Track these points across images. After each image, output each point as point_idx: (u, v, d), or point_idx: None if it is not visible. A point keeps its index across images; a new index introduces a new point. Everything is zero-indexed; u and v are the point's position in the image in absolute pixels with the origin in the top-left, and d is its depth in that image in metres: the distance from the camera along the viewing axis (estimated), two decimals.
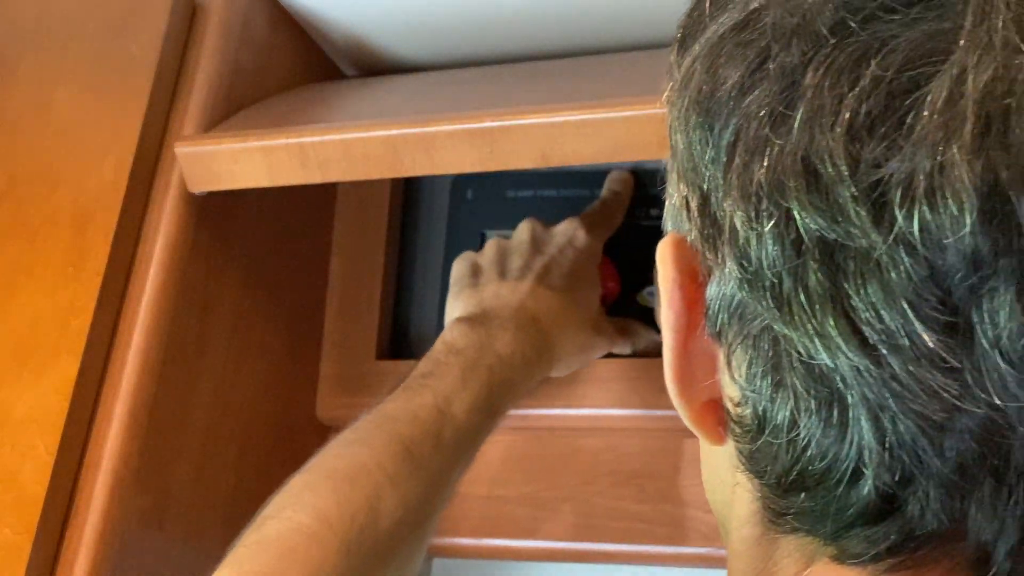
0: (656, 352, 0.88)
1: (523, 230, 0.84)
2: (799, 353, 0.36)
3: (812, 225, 0.34)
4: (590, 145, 0.72)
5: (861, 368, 0.35)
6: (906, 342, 0.34)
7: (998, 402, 0.34)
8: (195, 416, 0.85)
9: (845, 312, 0.34)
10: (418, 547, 0.68)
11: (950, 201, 0.32)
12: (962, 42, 0.33)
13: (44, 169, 0.86)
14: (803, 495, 0.39)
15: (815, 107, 0.35)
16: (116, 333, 0.81)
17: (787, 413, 0.38)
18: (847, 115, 0.34)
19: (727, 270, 0.38)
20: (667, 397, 0.88)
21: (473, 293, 0.81)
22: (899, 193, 0.33)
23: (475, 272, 0.83)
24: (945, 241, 0.33)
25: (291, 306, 0.94)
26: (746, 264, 0.36)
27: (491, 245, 0.84)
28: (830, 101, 0.34)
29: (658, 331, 0.88)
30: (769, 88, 0.36)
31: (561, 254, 0.83)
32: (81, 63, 0.89)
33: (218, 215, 0.86)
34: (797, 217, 0.35)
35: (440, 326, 0.80)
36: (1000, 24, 0.33)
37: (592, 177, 0.90)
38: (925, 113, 0.33)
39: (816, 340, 0.35)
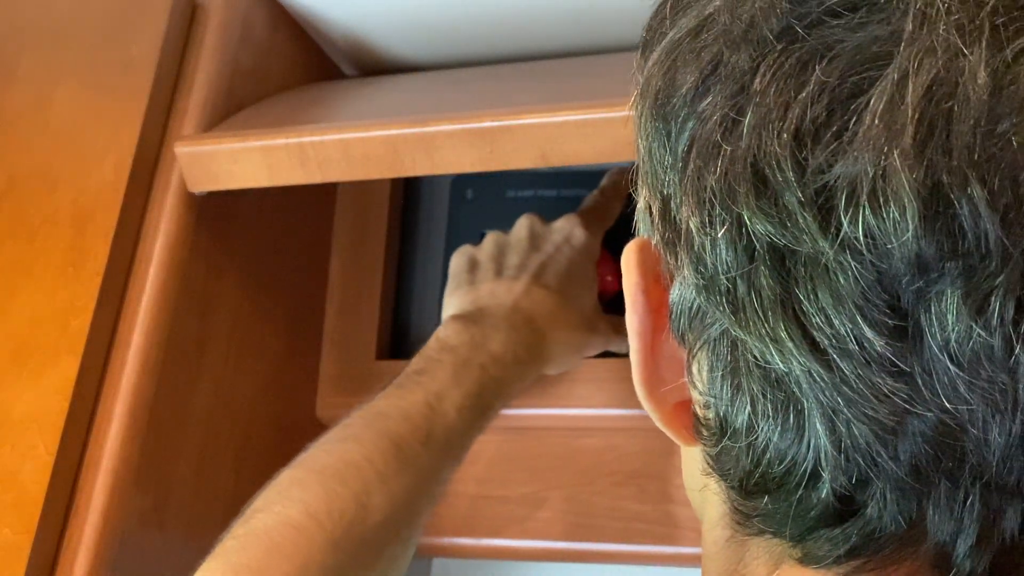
0: None
1: (521, 226, 0.84)
2: (755, 358, 0.36)
3: (762, 231, 0.35)
4: (590, 145, 0.72)
5: (813, 373, 0.35)
6: (855, 347, 0.34)
7: (948, 405, 0.34)
8: (195, 416, 0.85)
9: (796, 317, 0.35)
10: (406, 544, 0.68)
11: (892, 206, 0.32)
12: (904, 46, 0.33)
13: (44, 169, 0.86)
14: (766, 498, 0.39)
15: (763, 113, 0.35)
16: (116, 333, 0.81)
17: (745, 417, 0.38)
18: (793, 121, 0.34)
19: (685, 275, 0.38)
20: None
21: (469, 290, 0.81)
22: (844, 198, 0.33)
23: (472, 267, 0.83)
24: (889, 246, 0.33)
25: (291, 306, 0.94)
26: (702, 269, 0.37)
27: (489, 240, 0.84)
28: (777, 107, 0.34)
29: None
30: (721, 93, 0.36)
31: (558, 252, 0.83)
32: (81, 63, 0.89)
33: (218, 215, 0.86)
34: (748, 223, 0.35)
35: (439, 326, 0.80)
36: (942, 27, 0.33)
37: (592, 177, 0.90)
38: (867, 118, 0.33)
39: (769, 345, 0.35)
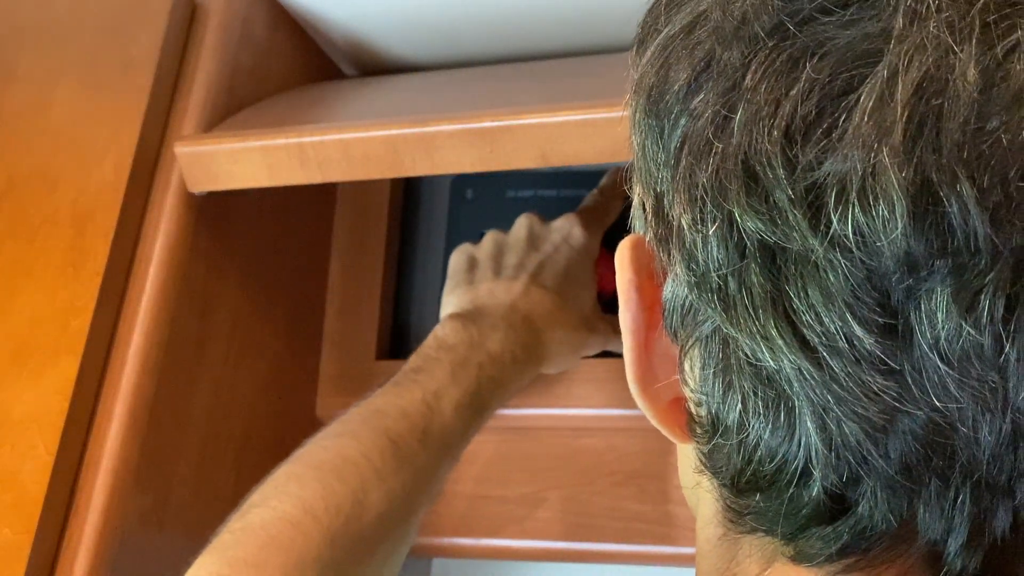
0: None
1: (520, 226, 0.84)
2: (746, 355, 0.36)
3: (752, 228, 0.35)
4: (590, 145, 0.72)
5: (803, 370, 0.35)
6: (845, 345, 0.34)
7: (938, 403, 0.34)
8: (195, 416, 0.85)
9: (787, 314, 0.35)
10: (401, 542, 0.68)
11: (881, 204, 0.32)
12: (894, 43, 0.33)
13: (43, 169, 0.86)
14: (758, 496, 0.39)
15: (754, 110, 0.35)
16: (116, 333, 0.81)
17: (736, 414, 0.38)
18: (784, 118, 0.34)
19: (677, 272, 0.38)
20: None
21: (467, 290, 0.81)
22: (833, 196, 0.33)
23: (471, 267, 0.83)
24: (879, 244, 0.33)
25: (291, 306, 0.94)
26: (694, 266, 0.37)
27: (489, 239, 0.84)
28: (768, 104, 0.34)
29: None
30: (713, 90, 0.36)
31: (556, 252, 0.83)
32: (81, 62, 0.89)
33: (218, 215, 0.86)
34: (738, 220, 0.35)
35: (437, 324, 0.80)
36: (932, 25, 0.32)
37: (592, 177, 0.90)
38: (857, 115, 0.33)
39: (760, 342, 0.35)
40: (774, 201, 0.34)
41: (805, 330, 0.34)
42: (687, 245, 0.37)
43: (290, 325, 0.94)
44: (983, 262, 0.32)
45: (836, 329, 0.34)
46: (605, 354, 0.87)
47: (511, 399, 0.77)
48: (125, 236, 0.82)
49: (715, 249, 0.36)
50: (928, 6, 0.33)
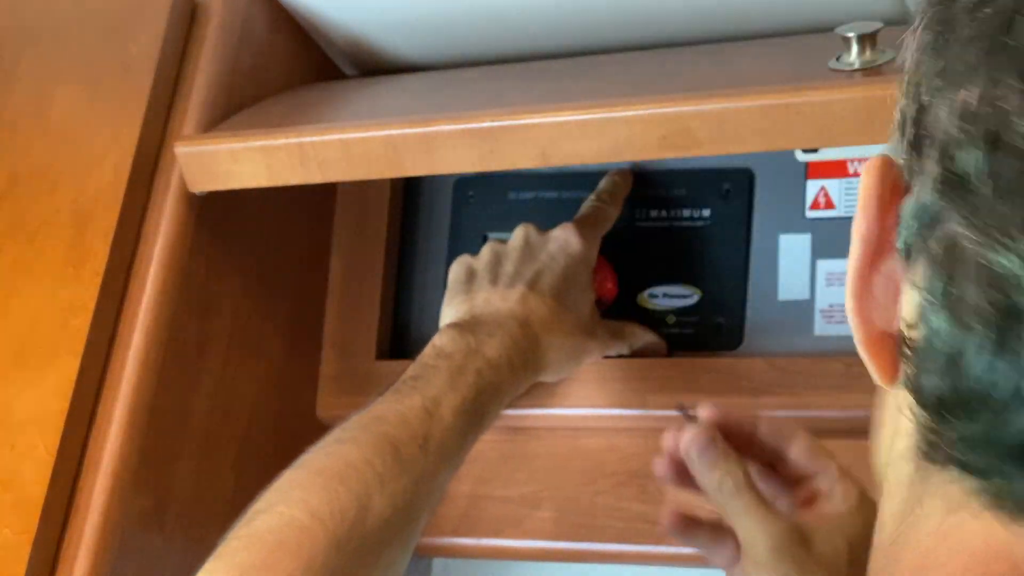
0: (653, 353, 0.88)
1: (518, 236, 0.85)
2: (983, 262, 0.34)
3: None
4: (590, 145, 0.72)
5: None
6: None
7: None
8: (195, 416, 0.85)
9: None
10: (404, 549, 0.68)
11: None
12: None
13: (44, 169, 0.86)
14: (961, 420, 0.36)
15: None
16: (116, 333, 0.81)
17: (956, 327, 0.36)
18: None
19: (927, 172, 0.37)
20: (667, 396, 0.89)
21: (465, 299, 0.82)
22: None
23: (470, 277, 0.83)
24: None
25: (291, 306, 0.94)
26: (947, 162, 0.35)
27: (487, 249, 0.85)
28: None
29: (655, 332, 0.89)
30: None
31: (553, 261, 0.83)
32: (81, 63, 0.89)
33: (218, 215, 0.86)
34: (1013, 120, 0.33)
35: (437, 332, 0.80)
36: None
37: (593, 179, 0.90)
38: None
39: (1002, 244, 0.33)
40: None
41: None
42: (943, 143, 0.36)
43: (290, 325, 0.94)
44: None
45: None
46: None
47: (508, 405, 0.78)
48: (125, 236, 0.82)
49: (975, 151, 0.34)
50: None
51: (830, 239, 0.85)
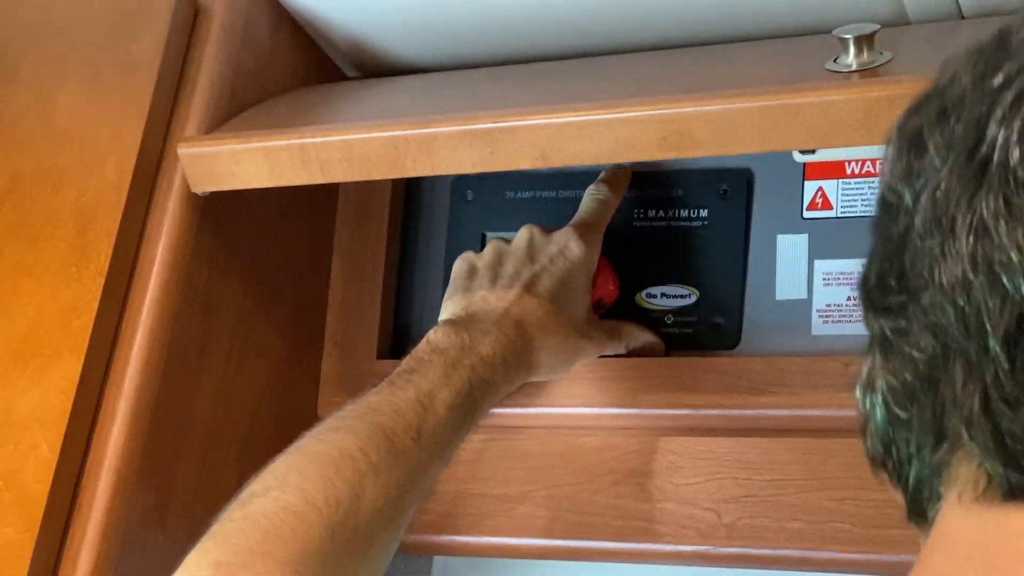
0: (651, 352, 0.89)
1: (521, 236, 0.85)
2: None
3: None
4: (590, 146, 0.72)
5: None
6: None
7: None
8: (197, 415, 0.85)
9: None
10: (393, 539, 0.69)
11: None
12: None
13: (46, 170, 0.86)
14: None
15: None
16: (119, 333, 0.82)
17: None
18: None
19: None
20: (665, 396, 0.89)
21: (463, 296, 0.82)
22: None
23: (471, 274, 0.84)
24: None
25: (293, 306, 0.95)
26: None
27: (490, 248, 0.85)
28: None
29: (653, 331, 0.89)
30: None
31: (552, 264, 0.84)
32: (83, 64, 0.89)
33: (220, 215, 0.87)
34: None
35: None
36: None
37: (591, 178, 0.91)
38: None
39: None
40: None
41: None
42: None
43: (292, 325, 0.94)
44: None
45: None
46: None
47: (500, 402, 0.78)
48: (128, 236, 0.83)
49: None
50: None
51: (827, 239, 0.85)
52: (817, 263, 0.85)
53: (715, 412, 0.84)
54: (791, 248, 0.86)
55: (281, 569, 0.61)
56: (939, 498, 0.39)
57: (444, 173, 0.77)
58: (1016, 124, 0.35)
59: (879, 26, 0.68)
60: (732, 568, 0.84)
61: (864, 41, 0.68)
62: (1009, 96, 0.36)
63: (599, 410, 0.88)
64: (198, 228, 0.85)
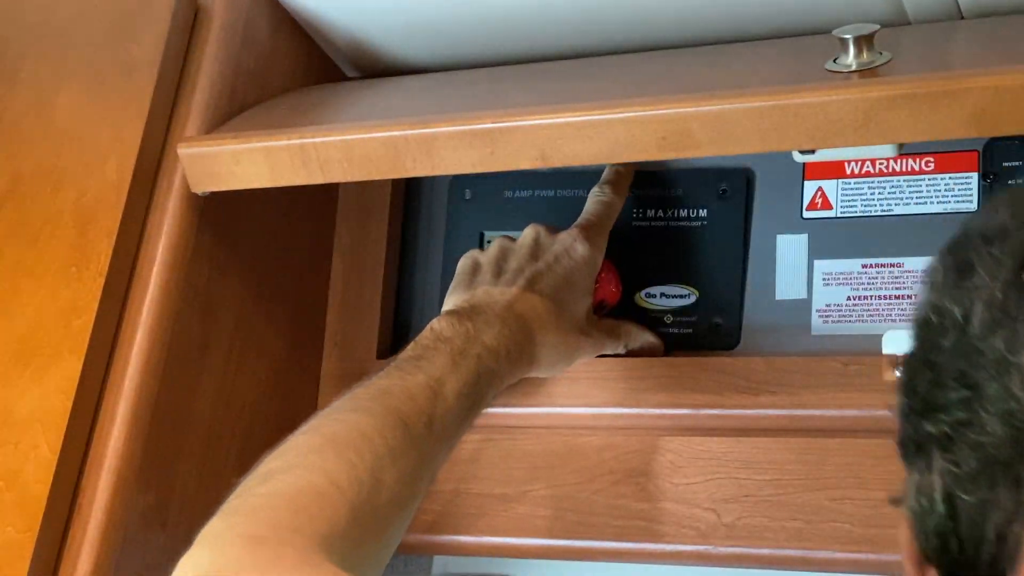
0: (651, 352, 0.89)
1: (527, 235, 0.86)
2: None
3: None
4: (590, 146, 0.72)
5: None
6: None
7: None
8: (198, 415, 0.85)
9: None
10: (402, 528, 0.69)
11: None
12: None
13: (47, 170, 0.86)
14: None
15: None
16: (119, 333, 0.82)
17: None
18: None
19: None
20: (665, 396, 0.89)
21: (466, 289, 0.83)
22: None
23: (475, 270, 0.84)
24: None
25: (293, 305, 0.95)
26: None
27: (495, 245, 0.86)
28: None
29: (653, 331, 0.89)
30: None
31: (556, 263, 0.84)
32: (84, 65, 0.89)
33: (220, 215, 0.87)
34: None
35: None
36: None
37: (590, 177, 0.91)
38: None
39: None
40: None
41: None
42: None
43: (292, 325, 0.94)
44: None
45: None
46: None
47: (501, 394, 0.78)
48: (128, 236, 0.83)
49: None
50: None
51: (827, 239, 0.85)
52: (817, 263, 0.85)
53: (715, 412, 0.84)
54: (791, 248, 0.87)
55: (316, 547, 0.59)
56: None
57: (444, 173, 0.77)
58: None
59: (879, 26, 0.68)
60: (732, 568, 0.84)
61: (864, 41, 0.68)
62: None
63: (599, 410, 0.88)
64: (198, 228, 0.85)
